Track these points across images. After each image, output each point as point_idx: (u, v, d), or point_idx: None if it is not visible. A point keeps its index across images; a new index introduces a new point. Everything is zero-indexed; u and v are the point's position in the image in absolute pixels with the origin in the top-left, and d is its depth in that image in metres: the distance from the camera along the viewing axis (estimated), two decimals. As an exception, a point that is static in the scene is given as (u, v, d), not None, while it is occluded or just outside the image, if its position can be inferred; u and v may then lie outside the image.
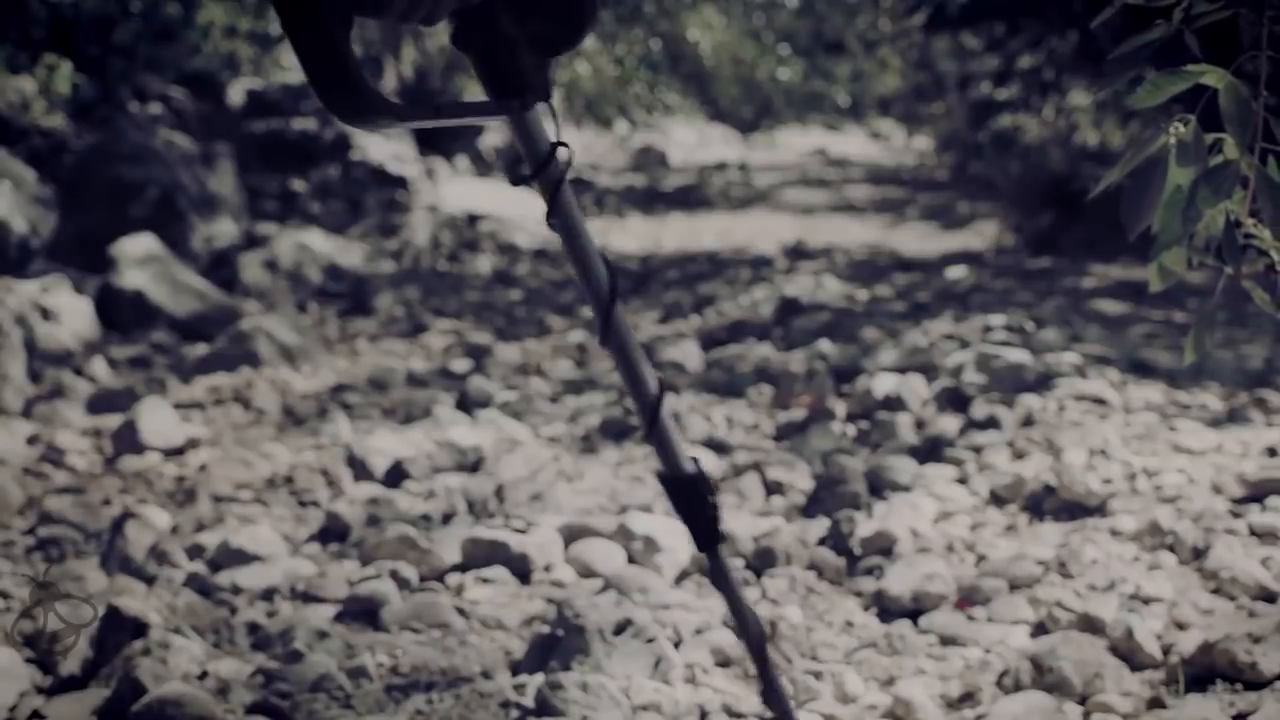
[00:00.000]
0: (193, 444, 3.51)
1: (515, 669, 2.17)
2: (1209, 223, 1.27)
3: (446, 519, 2.90)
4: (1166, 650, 2.10)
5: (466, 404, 3.97)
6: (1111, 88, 1.30)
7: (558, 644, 2.14)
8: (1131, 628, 2.10)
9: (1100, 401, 3.34)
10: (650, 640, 2.12)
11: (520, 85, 1.28)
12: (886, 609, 2.39)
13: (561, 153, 1.32)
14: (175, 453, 3.46)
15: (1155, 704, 1.94)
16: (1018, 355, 3.58)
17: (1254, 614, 2.17)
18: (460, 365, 4.63)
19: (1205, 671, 2.00)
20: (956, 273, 6.59)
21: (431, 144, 9.53)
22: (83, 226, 5.89)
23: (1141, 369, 3.84)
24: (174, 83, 7.66)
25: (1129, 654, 2.09)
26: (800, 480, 3.10)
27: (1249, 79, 1.21)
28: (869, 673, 2.16)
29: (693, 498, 1.43)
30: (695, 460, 1.45)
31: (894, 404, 3.52)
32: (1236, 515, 2.58)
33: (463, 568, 2.61)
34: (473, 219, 8.63)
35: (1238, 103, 1.19)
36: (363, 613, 2.41)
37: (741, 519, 2.82)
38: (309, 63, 1.13)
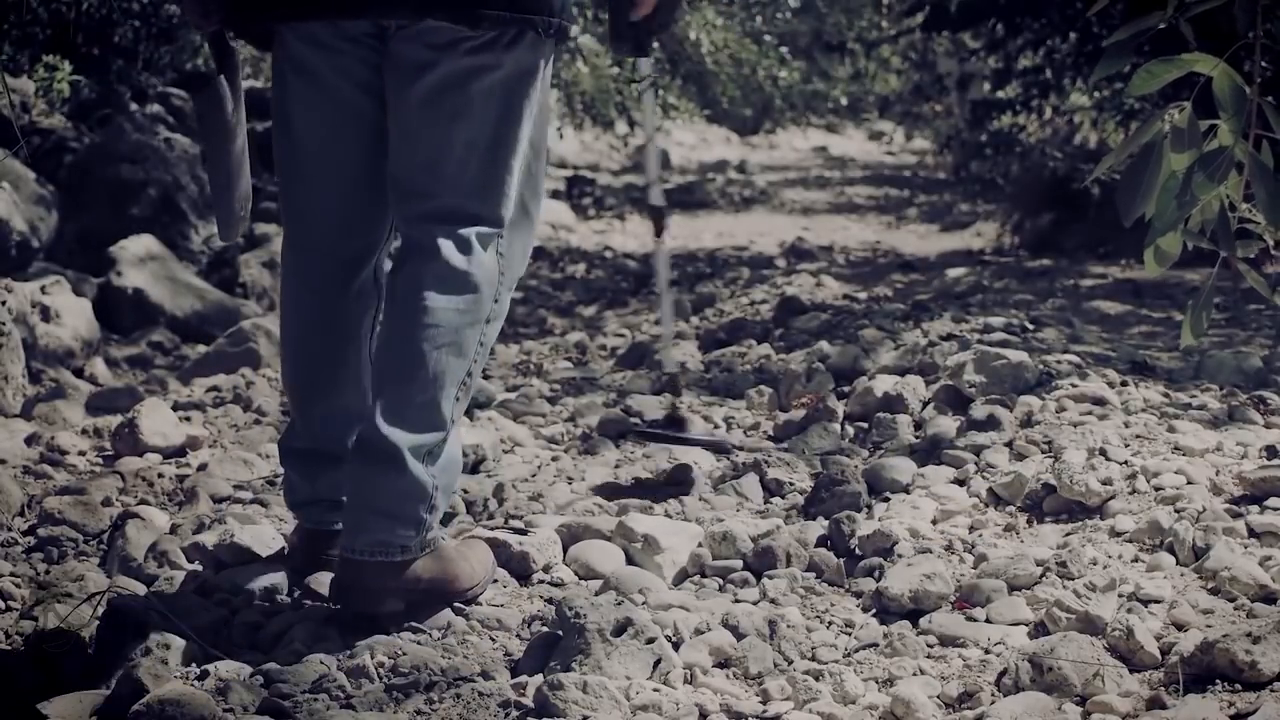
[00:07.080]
0: (193, 444, 3.50)
1: (515, 669, 2.18)
2: (1204, 208, 1.27)
3: (446, 519, 2.89)
4: (1166, 650, 2.10)
5: (466, 404, 3.96)
6: (1107, 73, 1.30)
7: (558, 644, 2.15)
8: (1131, 628, 2.10)
9: (1100, 401, 3.33)
10: (650, 640, 2.13)
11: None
12: (886, 609, 2.39)
13: None
14: (175, 453, 3.45)
15: (1155, 704, 1.94)
16: (1017, 355, 3.57)
17: (1253, 614, 2.18)
18: (460, 365, 4.62)
19: (1204, 671, 2.00)
20: (956, 273, 6.59)
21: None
22: (83, 226, 5.89)
23: (1141, 369, 3.83)
24: (174, 83, 7.65)
25: (1128, 654, 2.09)
26: (800, 480, 3.10)
27: (1242, 68, 1.21)
28: (869, 673, 2.16)
29: None
30: None
31: (894, 404, 3.52)
32: (1236, 515, 2.58)
33: (463, 568, 2.61)
34: (473, 219, 8.61)
35: (1232, 90, 1.19)
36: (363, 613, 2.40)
37: (741, 519, 2.82)
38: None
